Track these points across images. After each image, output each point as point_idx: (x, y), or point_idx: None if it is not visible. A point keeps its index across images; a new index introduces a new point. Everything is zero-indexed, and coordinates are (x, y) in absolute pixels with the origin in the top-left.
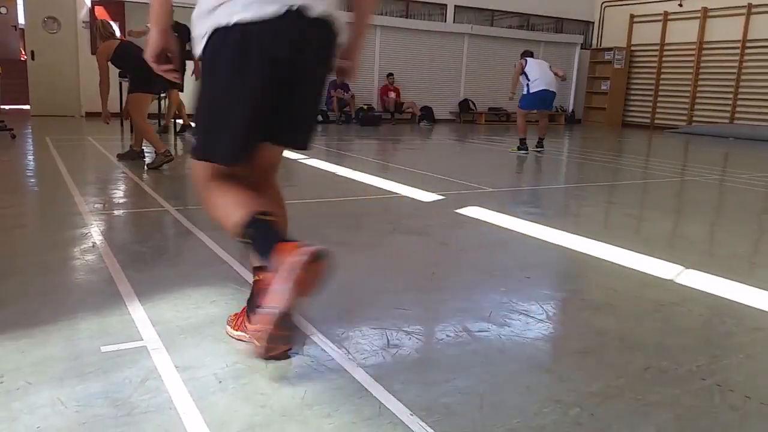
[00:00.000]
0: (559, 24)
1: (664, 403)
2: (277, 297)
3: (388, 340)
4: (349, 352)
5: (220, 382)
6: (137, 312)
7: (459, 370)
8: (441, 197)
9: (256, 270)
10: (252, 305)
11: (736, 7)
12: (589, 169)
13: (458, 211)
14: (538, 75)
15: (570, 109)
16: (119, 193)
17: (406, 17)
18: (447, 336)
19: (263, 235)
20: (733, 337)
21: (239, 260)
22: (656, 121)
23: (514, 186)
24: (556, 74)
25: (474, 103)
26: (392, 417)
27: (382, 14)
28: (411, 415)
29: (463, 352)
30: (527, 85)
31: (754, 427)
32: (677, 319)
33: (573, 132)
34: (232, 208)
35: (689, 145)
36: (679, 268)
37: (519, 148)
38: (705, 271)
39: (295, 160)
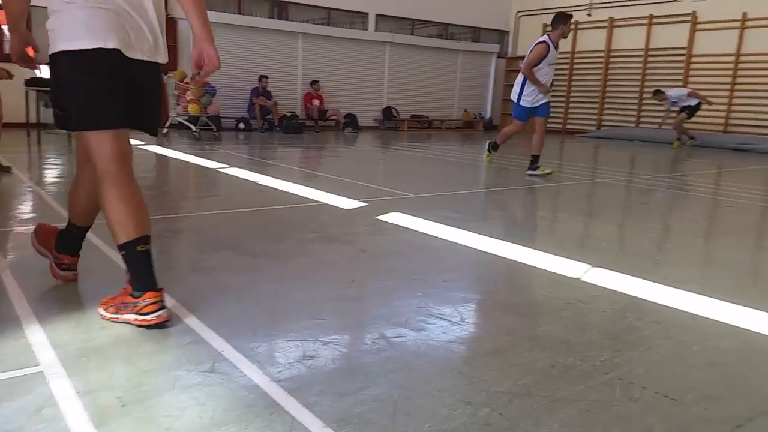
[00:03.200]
0: (476, 33)
1: (569, 399)
2: (122, 317)
3: (304, 352)
4: (262, 367)
5: (123, 405)
6: (35, 335)
7: (374, 377)
8: (363, 204)
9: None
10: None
11: (639, 17)
12: (506, 174)
13: (380, 217)
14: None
15: (488, 116)
16: (22, 208)
17: (328, 25)
18: (364, 344)
19: (142, 270)
20: (635, 331)
21: None
22: (568, 126)
23: (435, 191)
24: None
25: (397, 111)
26: (304, 430)
27: (303, 21)
28: (324, 427)
29: (379, 359)
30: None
31: (651, 416)
32: (583, 316)
33: (491, 138)
34: (124, 217)
35: (599, 148)
36: (587, 266)
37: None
38: (611, 269)
39: (215, 170)
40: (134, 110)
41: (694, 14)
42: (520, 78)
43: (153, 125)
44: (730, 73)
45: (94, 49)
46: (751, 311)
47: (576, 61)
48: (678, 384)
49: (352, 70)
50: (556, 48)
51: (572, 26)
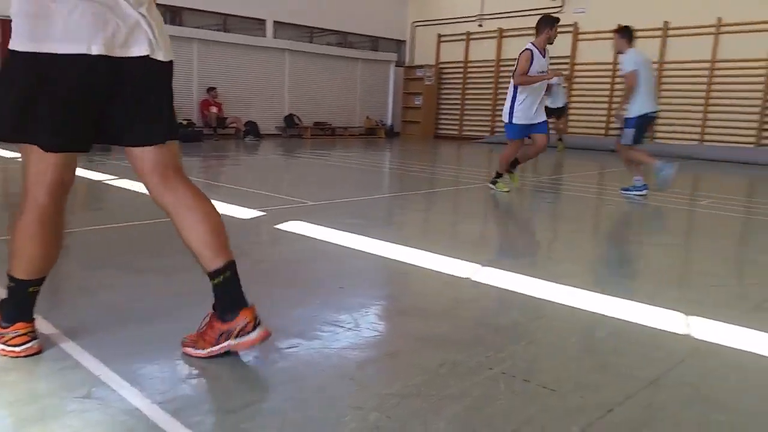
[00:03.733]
0: (375, 42)
1: (456, 396)
2: None
3: (189, 370)
4: (143, 389)
5: None
6: None
7: (264, 391)
8: (262, 213)
9: None
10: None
11: (527, 27)
12: (406, 180)
13: (278, 226)
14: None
15: (389, 123)
16: None
17: (224, 31)
18: (254, 357)
19: (22, 305)
20: (519, 326)
21: None
22: (464, 132)
23: (336, 198)
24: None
25: (299, 118)
26: None
27: (198, 27)
28: None
29: (270, 372)
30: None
31: (532, 407)
32: (472, 313)
33: (392, 145)
34: (37, 259)
35: (493, 153)
36: (477, 266)
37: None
38: (500, 268)
39: (102, 182)
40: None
41: (575, 25)
42: (510, 93)
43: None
44: (609, 79)
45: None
46: (622, 301)
47: (469, 69)
48: (557, 375)
49: (252, 77)
50: (544, 55)
51: (464, 36)
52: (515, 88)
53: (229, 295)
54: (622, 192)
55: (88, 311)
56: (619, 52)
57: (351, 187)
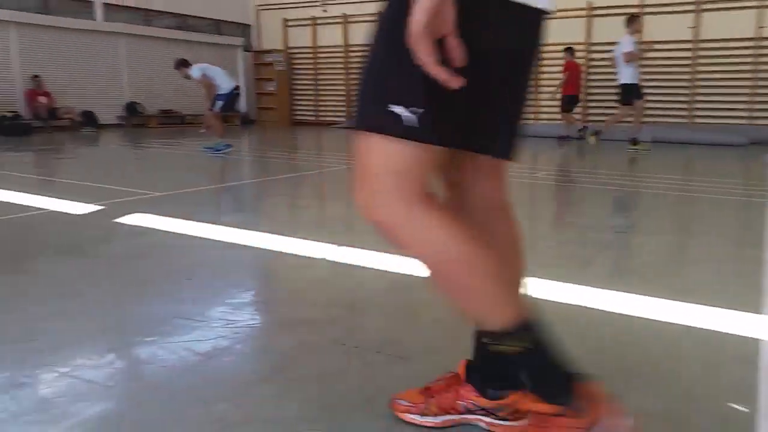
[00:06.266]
0: (217, 26)
1: (310, 376)
2: None
3: (10, 381)
4: None
5: None
6: None
7: (99, 395)
8: (100, 207)
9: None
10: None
11: (370, 14)
12: (261, 166)
13: (118, 220)
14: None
15: (243, 109)
16: None
17: (46, 14)
18: (89, 360)
19: (545, 364)
20: (369, 300)
21: None
22: (320, 118)
23: (185, 188)
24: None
25: (143, 106)
26: None
27: (15, 9)
28: None
29: (105, 373)
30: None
31: (382, 376)
32: (328, 293)
33: (249, 132)
34: (489, 286)
35: (350, 138)
36: (333, 246)
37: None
38: (353, 246)
39: None
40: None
41: None
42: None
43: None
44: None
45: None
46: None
47: (319, 56)
48: (408, 343)
49: (83, 64)
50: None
51: (311, 22)
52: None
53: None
54: None
55: None
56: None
57: (202, 175)
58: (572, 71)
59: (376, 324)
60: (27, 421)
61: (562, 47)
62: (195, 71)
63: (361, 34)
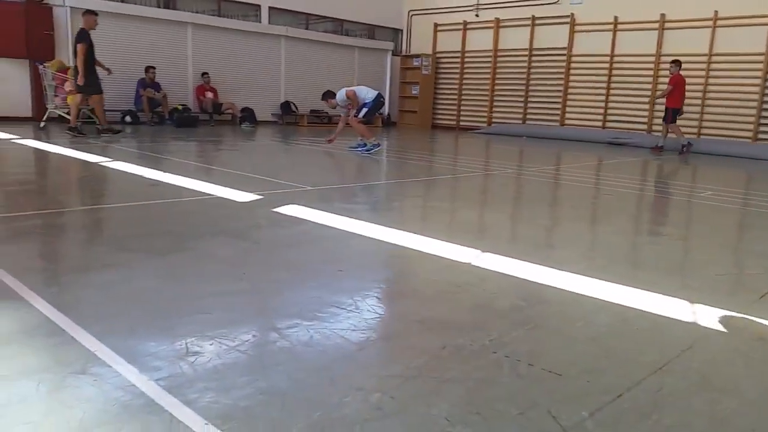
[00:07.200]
0: (371, 30)
1: (458, 379)
2: None
3: (187, 348)
4: (139, 365)
5: None
6: None
7: (263, 370)
8: (259, 197)
9: None
10: None
11: (523, 18)
12: (404, 167)
13: (276, 210)
14: None
15: (386, 112)
16: None
17: (219, 16)
18: (253, 337)
19: None
20: (521, 311)
21: (15, 275)
22: (461, 123)
23: (333, 184)
24: None
25: (296, 105)
26: (184, 429)
27: (192, 11)
28: (206, 424)
29: (269, 351)
30: None
31: (536, 390)
32: (474, 298)
33: (389, 134)
34: None
35: (490, 143)
36: (478, 252)
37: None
38: (500, 254)
39: (97, 164)
40: None
41: (572, 16)
42: None
43: None
44: (606, 72)
45: None
46: (625, 288)
47: (466, 60)
48: (562, 359)
49: (248, 63)
50: None
51: (461, 26)
52: None
53: None
54: None
55: (82, 289)
56: None
57: (348, 173)
58: (677, 85)
59: (526, 335)
60: (201, 387)
61: (683, 57)
62: (339, 94)
63: (512, 39)
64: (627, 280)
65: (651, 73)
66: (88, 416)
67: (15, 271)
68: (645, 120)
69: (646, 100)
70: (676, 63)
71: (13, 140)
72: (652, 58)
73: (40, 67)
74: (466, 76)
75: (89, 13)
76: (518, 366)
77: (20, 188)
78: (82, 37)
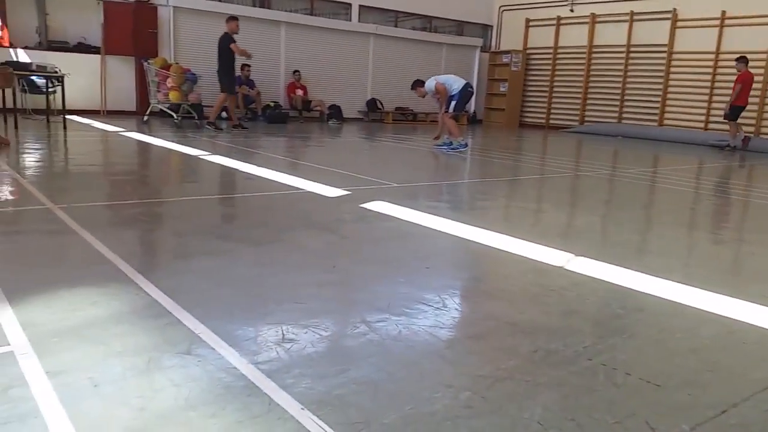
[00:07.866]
0: (460, 27)
1: (552, 384)
2: None
3: (283, 335)
4: (240, 349)
5: (95, 386)
6: (5, 315)
7: (355, 361)
8: (347, 193)
9: None
10: None
11: (621, 14)
12: (490, 166)
13: (363, 205)
14: None
15: (472, 110)
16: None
17: (311, 14)
18: (344, 327)
19: None
20: (618, 318)
21: (125, 259)
22: (551, 121)
23: (418, 182)
24: None
25: (381, 103)
26: (282, 412)
27: (286, 11)
28: (302, 408)
29: (359, 343)
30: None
31: (634, 400)
32: (566, 303)
33: (475, 132)
34: None
35: (581, 143)
36: (570, 255)
37: None
38: (594, 258)
39: (196, 157)
40: None
41: (674, 11)
42: None
43: None
44: (710, 70)
45: None
46: (730, 300)
47: (558, 56)
48: (661, 370)
49: (337, 60)
50: None
51: (554, 21)
52: None
53: None
54: None
55: (185, 274)
56: None
57: (433, 171)
58: (746, 82)
59: (623, 344)
60: (297, 373)
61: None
62: (429, 83)
63: (608, 35)
64: (731, 291)
65: (762, 71)
66: (193, 395)
67: (124, 255)
68: (753, 122)
69: (756, 101)
70: (743, 60)
71: (120, 133)
72: (764, 56)
73: (145, 64)
74: (557, 72)
75: (232, 19)
76: (615, 375)
77: (127, 178)
78: (230, 39)
